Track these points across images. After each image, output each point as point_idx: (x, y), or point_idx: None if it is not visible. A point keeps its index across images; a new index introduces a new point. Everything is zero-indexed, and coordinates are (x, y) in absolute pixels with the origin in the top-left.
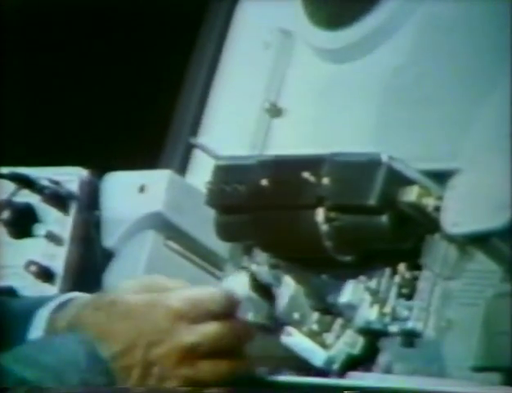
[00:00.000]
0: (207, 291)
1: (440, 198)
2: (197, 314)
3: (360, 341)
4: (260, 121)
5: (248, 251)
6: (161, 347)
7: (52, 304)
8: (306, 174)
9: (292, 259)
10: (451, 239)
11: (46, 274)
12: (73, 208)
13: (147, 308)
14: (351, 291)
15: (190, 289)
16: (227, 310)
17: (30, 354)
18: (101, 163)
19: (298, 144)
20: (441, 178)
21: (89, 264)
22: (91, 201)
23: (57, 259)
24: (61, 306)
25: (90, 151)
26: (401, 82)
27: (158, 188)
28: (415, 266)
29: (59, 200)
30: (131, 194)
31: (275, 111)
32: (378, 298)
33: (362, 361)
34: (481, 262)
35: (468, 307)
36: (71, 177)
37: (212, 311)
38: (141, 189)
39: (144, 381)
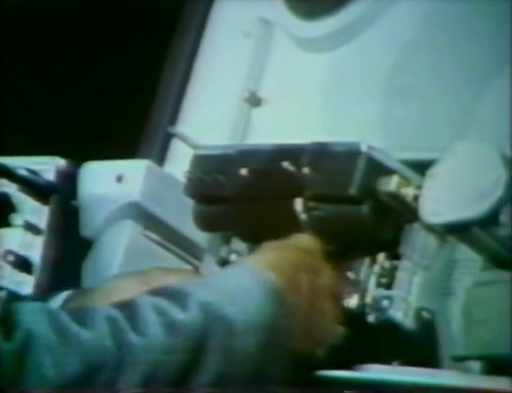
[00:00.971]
0: None
1: (419, 188)
2: None
3: (339, 331)
4: (240, 111)
5: (227, 241)
6: (321, 277)
7: None
8: (286, 164)
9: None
10: (430, 228)
11: (23, 264)
12: (50, 198)
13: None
14: None
15: None
16: None
17: (207, 281)
18: (79, 152)
19: (278, 134)
20: (420, 167)
21: (67, 254)
22: (68, 190)
23: (35, 248)
24: None
25: (67, 141)
26: (381, 71)
27: (135, 178)
28: (395, 256)
29: (36, 189)
30: (108, 184)
31: (254, 101)
32: (357, 288)
33: (342, 351)
34: (460, 251)
35: (447, 296)
36: (48, 166)
37: None
38: (119, 179)
39: (308, 305)
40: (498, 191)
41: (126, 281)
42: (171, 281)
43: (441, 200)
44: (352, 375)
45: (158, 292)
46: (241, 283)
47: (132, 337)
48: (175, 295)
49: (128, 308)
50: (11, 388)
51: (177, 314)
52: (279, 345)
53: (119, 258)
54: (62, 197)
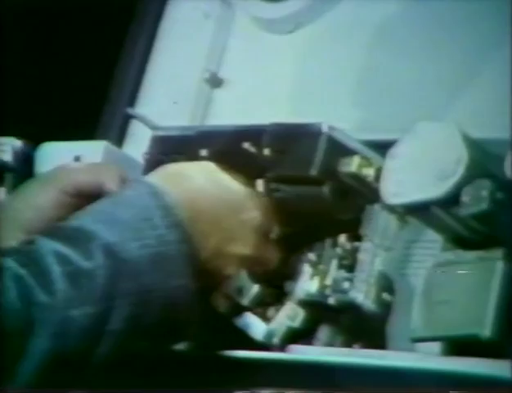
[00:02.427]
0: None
1: (380, 168)
2: None
3: (300, 314)
4: (200, 92)
5: None
6: (240, 214)
7: None
8: (246, 145)
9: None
10: (392, 209)
11: None
12: (6, 178)
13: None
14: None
15: None
16: None
17: (107, 210)
18: (36, 133)
19: (238, 115)
20: (382, 148)
21: None
22: (25, 171)
23: None
24: None
25: (24, 121)
26: (343, 52)
27: (93, 159)
28: (356, 237)
29: None
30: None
31: (215, 82)
32: (318, 270)
33: (303, 334)
34: (421, 232)
35: (409, 277)
36: (5, 147)
37: None
38: (77, 160)
39: (216, 247)
40: (459, 172)
41: (36, 195)
42: (84, 180)
43: (402, 180)
44: (301, 357)
45: (58, 235)
46: (141, 211)
47: (40, 296)
48: (76, 239)
49: (32, 260)
50: (11, 388)
51: (82, 262)
52: (188, 280)
53: None
54: (19, 178)
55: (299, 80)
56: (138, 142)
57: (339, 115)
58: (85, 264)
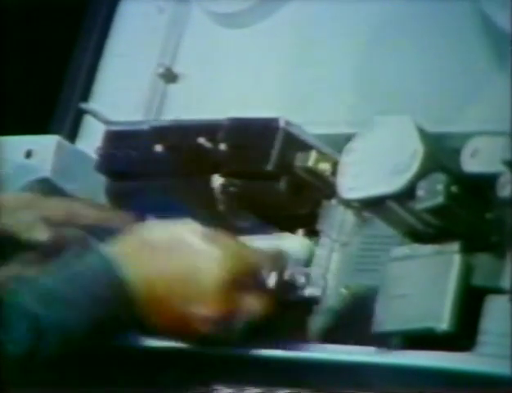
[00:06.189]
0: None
1: (337, 163)
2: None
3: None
4: (154, 87)
5: (141, 218)
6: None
7: None
8: (201, 140)
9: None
10: (348, 204)
11: None
12: None
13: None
14: None
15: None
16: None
17: (52, 288)
18: None
19: (193, 110)
20: (338, 142)
21: None
22: None
23: None
24: None
25: None
26: (299, 46)
27: (45, 154)
28: (313, 232)
29: None
30: (17, 159)
31: (170, 76)
32: (275, 265)
33: (263, 328)
34: (378, 227)
35: (366, 272)
36: None
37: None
38: (28, 154)
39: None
40: (414, 166)
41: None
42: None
43: (358, 175)
44: (265, 353)
45: None
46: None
47: None
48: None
49: None
50: (11, 388)
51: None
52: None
53: None
54: None
55: (254, 75)
56: (91, 137)
57: (293, 109)
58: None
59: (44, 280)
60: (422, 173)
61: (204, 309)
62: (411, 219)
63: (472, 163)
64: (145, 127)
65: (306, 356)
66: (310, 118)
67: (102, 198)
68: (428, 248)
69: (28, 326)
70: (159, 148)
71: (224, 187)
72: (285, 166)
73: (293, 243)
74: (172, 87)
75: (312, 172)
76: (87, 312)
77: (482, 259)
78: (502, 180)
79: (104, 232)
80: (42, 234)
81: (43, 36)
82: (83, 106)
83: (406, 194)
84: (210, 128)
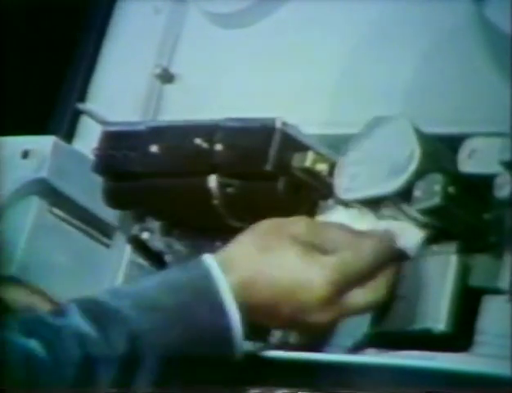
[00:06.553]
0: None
1: (334, 163)
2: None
3: None
4: (151, 87)
5: (139, 219)
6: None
7: None
8: (198, 141)
9: (185, 227)
10: (345, 204)
11: None
12: None
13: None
14: None
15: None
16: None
17: (149, 295)
18: None
19: (190, 110)
20: (335, 143)
21: None
22: None
23: None
24: None
25: None
26: (296, 46)
27: (42, 154)
28: None
29: None
30: (14, 160)
31: (166, 77)
32: None
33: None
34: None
35: None
36: None
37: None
38: (25, 155)
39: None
40: (411, 167)
41: None
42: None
43: (355, 176)
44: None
45: (90, 312)
46: (188, 296)
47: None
48: (107, 322)
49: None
50: (11, 388)
51: (104, 348)
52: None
53: (25, 235)
54: None
55: (252, 76)
56: (88, 138)
57: (290, 109)
58: (107, 349)
59: (143, 288)
60: (419, 174)
61: (316, 317)
62: (409, 220)
63: (469, 163)
64: (142, 127)
65: (305, 357)
66: (307, 118)
67: (99, 198)
68: (425, 249)
69: (120, 329)
70: (155, 149)
71: (221, 187)
72: (283, 167)
73: None
74: (169, 87)
75: (310, 172)
76: (184, 322)
77: (480, 260)
78: (499, 181)
79: None
80: None
81: (40, 36)
82: (80, 106)
83: (404, 195)
84: (207, 129)
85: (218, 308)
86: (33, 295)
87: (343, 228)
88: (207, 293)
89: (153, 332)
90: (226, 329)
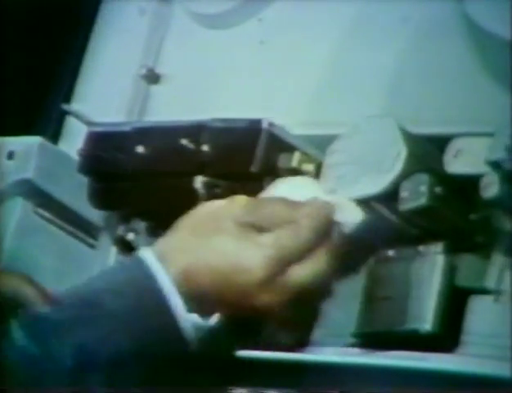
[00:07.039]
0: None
1: (320, 164)
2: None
3: None
4: (137, 88)
5: (125, 220)
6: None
7: None
8: (184, 141)
9: (171, 228)
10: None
11: None
12: None
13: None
14: None
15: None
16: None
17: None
18: None
19: (177, 111)
20: (322, 143)
21: None
22: None
23: None
24: None
25: None
26: (281, 46)
27: (27, 155)
28: None
29: None
30: None
31: (152, 78)
32: None
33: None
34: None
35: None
36: None
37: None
38: (10, 156)
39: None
40: (397, 167)
41: None
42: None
43: (341, 176)
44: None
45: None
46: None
47: None
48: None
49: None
50: (11, 388)
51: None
52: None
53: (10, 235)
54: None
55: (237, 75)
56: (74, 139)
57: (278, 110)
58: (51, 364)
59: (89, 292)
60: (405, 175)
61: (260, 299)
62: (395, 220)
63: (455, 164)
64: (127, 128)
65: (296, 358)
66: (293, 119)
67: (84, 199)
68: (411, 249)
69: (62, 342)
70: (141, 149)
71: (208, 188)
72: (269, 167)
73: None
74: (154, 88)
75: (296, 173)
76: (130, 325)
77: (467, 260)
78: (485, 180)
79: None
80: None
81: (25, 37)
82: (66, 107)
83: (390, 195)
84: (193, 130)
85: (163, 306)
86: (18, 280)
87: (280, 202)
88: (150, 293)
89: (98, 340)
90: (173, 326)
